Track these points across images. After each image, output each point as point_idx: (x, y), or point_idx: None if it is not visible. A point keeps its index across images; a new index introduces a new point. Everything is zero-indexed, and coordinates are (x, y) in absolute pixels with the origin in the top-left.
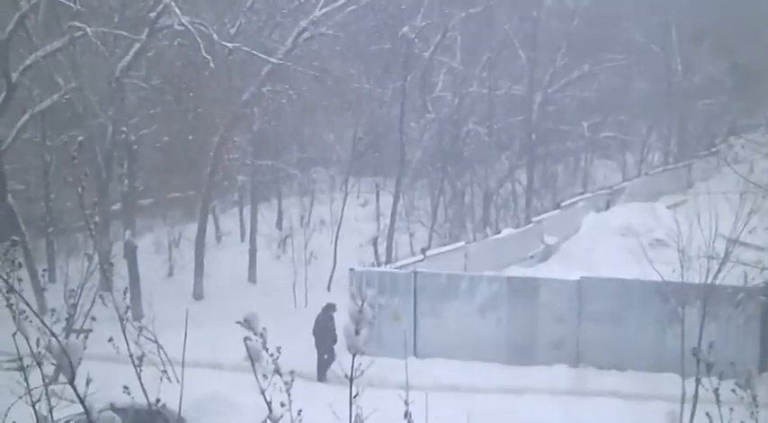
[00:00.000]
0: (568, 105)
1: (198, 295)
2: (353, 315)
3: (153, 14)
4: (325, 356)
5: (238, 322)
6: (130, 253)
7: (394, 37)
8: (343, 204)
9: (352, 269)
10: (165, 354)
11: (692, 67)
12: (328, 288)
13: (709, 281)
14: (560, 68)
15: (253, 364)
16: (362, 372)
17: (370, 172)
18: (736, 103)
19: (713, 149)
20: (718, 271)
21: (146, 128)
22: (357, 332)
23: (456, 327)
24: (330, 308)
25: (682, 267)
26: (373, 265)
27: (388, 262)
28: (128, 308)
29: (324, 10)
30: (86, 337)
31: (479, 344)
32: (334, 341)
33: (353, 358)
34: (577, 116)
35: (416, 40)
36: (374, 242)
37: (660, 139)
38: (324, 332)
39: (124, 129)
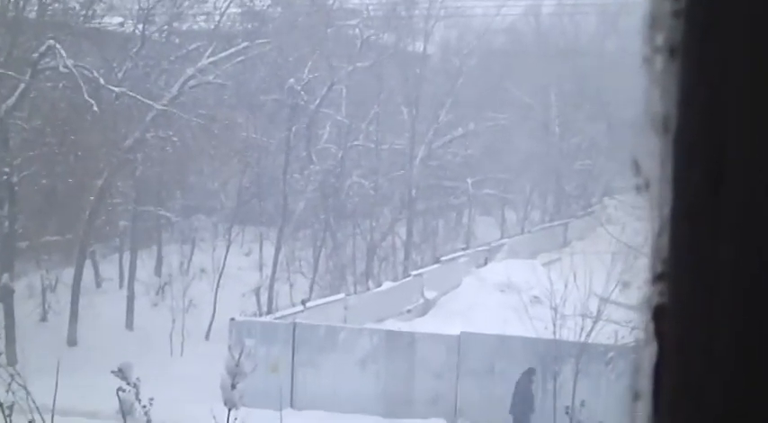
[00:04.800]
0: (451, 161)
1: (72, 341)
2: (230, 369)
3: (35, 55)
4: None
5: (113, 372)
6: (7, 297)
7: (281, 88)
8: (227, 252)
9: (232, 319)
10: (34, 401)
11: (571, 129)
12: (207, 337)
13: (582, 339)
14: (444, 125)
15: (124, 416)
16: None
17: (254, 221)
18: (612, 166)
19: (589, 210)
20: (591, 329)
21: (27, 169)
22: (233, 386)
23: (334, 379)
24: (531, 372)
25: (554, 325)
26: (255, 314)
27: (269, 312)
28: (0, 355)
29: (212, 59)
30: None
31: (358, 396)
32: (532, 409)
33: (229, 412)
34: (460, 172)
35: (302, 92)
36: (256, 292)
37: (540, 197)
38: (525, 398)
39: (6, 170)
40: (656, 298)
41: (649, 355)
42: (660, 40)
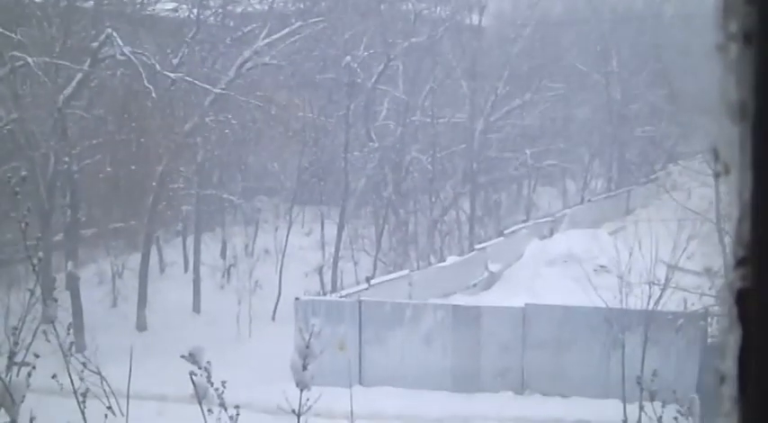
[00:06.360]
0: (510, 133)
1: (141, 326)
2: (300, 350)
3: (95, 44)
4: None
5: (183, 356)
6: (73, 284)
7: (337, 67)
8: (288, 233)
9: (297, 298)
10: (109, 386)
11: (630, 96)
12: (273, 318)
13: (650, 307)
14: (502, 97)
15: (199, 400)
16: (310, 407)
17: (314, 201)
18: (675, 131)
19: (652, 176)
20: (659, 297)
21: (88, 158)
22: (304, 367)
23: (401, 355)
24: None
25: (622, 294)
26: (318, 294)
27: (333, 291)
28: (72, 343)
29: (267, 40)
30: (29, 374)
31: (425, 372)
32: None
33: (301, 393)
34: (520, 144)
35: (359, 69)
36: (319, 271)
37: (602, 166)
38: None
39: (66, 159)
40: (738, 282)
41: (734, 339)
42: (734, 27)
